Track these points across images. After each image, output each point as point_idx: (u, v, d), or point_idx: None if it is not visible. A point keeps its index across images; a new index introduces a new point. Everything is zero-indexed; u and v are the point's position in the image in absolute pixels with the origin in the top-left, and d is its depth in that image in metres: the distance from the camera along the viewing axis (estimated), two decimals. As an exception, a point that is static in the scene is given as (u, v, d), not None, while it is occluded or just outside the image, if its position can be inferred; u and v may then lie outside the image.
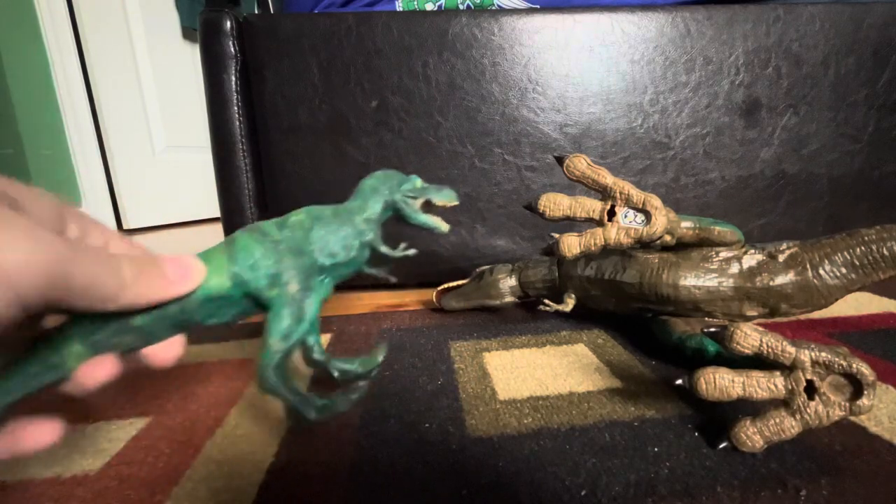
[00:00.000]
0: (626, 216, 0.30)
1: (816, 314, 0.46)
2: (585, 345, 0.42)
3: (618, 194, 0.30)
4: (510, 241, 0.62)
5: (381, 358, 0.29)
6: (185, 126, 1.70)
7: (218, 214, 0.61)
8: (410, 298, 0.60)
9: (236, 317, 0.25)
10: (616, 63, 0.58)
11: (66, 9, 1.42)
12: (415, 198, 0.30)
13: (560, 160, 0.31)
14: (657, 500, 0.22)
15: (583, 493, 0.23)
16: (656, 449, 0.26)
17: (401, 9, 0.63)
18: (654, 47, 0.58)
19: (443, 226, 0.31)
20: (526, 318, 0.50)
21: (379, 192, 0.29)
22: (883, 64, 0.61)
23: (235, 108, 0.56)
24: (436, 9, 0.62)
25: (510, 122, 0.58)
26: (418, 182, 0.30)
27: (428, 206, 0.30)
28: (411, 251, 0.30)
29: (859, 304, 0.49)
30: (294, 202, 0.58)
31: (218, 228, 0.71)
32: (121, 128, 1.57)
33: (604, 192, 0.30)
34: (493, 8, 0.61)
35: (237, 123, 0.57)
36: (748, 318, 0.37)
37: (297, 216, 0.27)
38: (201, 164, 1.65)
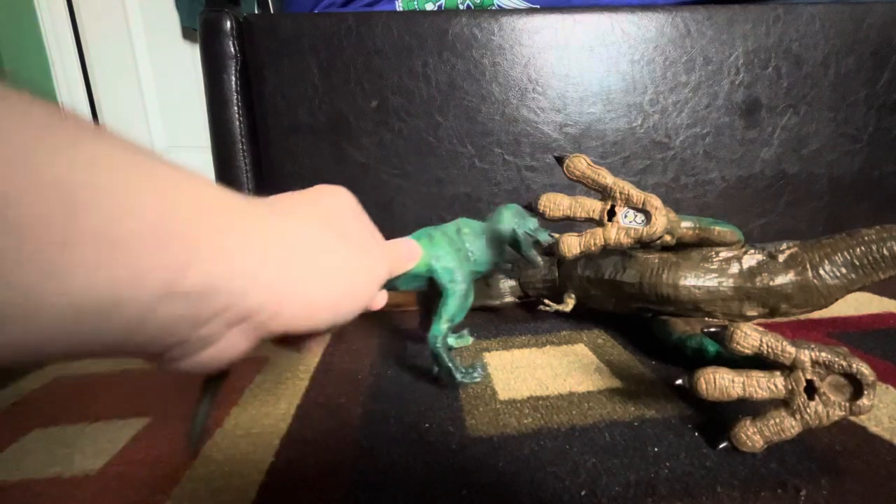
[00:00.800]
0: (625, 216, 0.30)
1: (816, 314, 0.46)
2: (585, 345, 0.42)
3: (618, 194, 0.30)
4: (510, 241, 0.62)
5: (477, 375, 0.34)
6: (185, 126, 1.70)
7: (218, 214, 0.61)
8: (410, 298, 0.60)
9: (414, 288, 0.34)
10: (616, 63, 0.58)
11: (66, 9, 1.42)
12: (531, 236, 0.37)
13: (560, 160, 0.31)
14: (657, 500, 0.22)
15: (583, 493, 0.23)
16: (656, 449, 0.26)
17: (401, 9, 0.63)
18: (654, 47, 0.58)
19: (540, 262, 0.38)
20: (526, 318, 0.50)
21: (511, 223, 0.36)
22: (883, 64, 0.61)
23: (235, 108, 0.56)
24: (436, 9, 0.62)
25: (510, 122, 0.58)
26: (536, 223, 0.38)
27: (535, 244, 0.37)
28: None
29: (859, 304, 0.49)
30: (294, 202, 0.58)
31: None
32: (121, 128, 1.56)
33: (604, 192, 0.30)
34: (493, 8, 0.61)
35: (237, 123, 0.57)
36: (748, 318, 0.37)
37: (466, 228, 0.35)
38: (201, 164, 1.65)
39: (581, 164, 0.30)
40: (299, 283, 0.18)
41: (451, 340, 0.39)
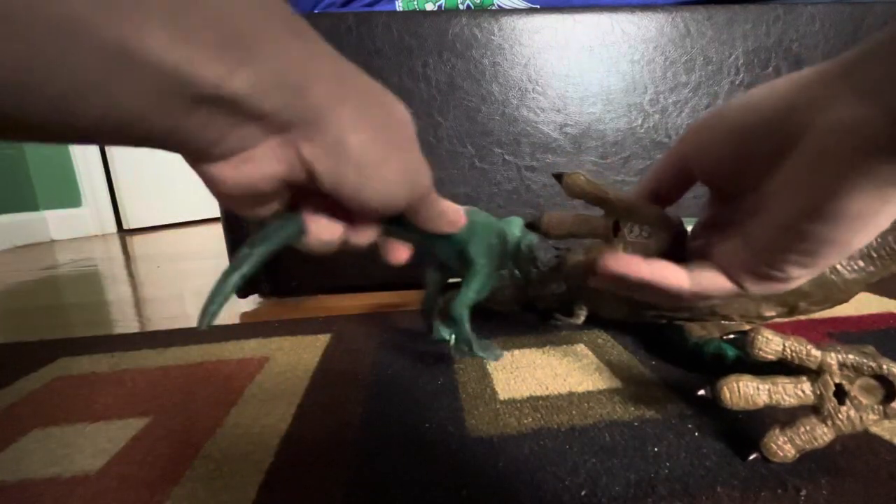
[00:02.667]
0: (631, 231, 0.29)
1: (816, 314, 0.46)
2: (585, 345, 0.42)
3: (619, 208, 0.29)
4: (510, 241, 0.62)
5: (497, 354, 0.34)
6: (185, 126, 1.70)
7: (218, 214, 0.61)
8: (410, 298, 0.60)
9: (448, 259, 0.34)
10: (616, 63, 0.58)
11: (67, 9, 1.42)
12: (531, 251, 0.39)
13: (559, 178, 0.30)
14: (657, 500, 0.22)
15: (583, 493, 0.23)
16: (656, 449, 0.26)
17: (401, 9, 0.63)
18: (654, 47, 0.58)
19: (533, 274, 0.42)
20: (526, 318, 0.50)
21: (517, 229, 0.37)
22: (883, 64, 0.61)
23: (235, 108, 0.56)
24: (436, 9, 0.62)
25: (510, 122, 0.58)
26: (535, 239, 0.39)
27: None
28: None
29: (859, 305, 0.49)
30: (294, 202, 0.58)
31: (218, 228, 0.70)
32: (121, 128, 1.57)
33: (606, 208, 0.30)
34: (493, 8, 0.61)
35: (237, 123, 0.57)
36: (766, 319, 0.36)
37: (494, 221, 0.35)
38: (201, 164, 1.64)
39: (580, 180, 0.29)
40: (350, 124, 0.17)
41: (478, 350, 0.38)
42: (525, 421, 0.30)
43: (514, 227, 0.38)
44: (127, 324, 0.58)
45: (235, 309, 0.61)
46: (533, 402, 0.32)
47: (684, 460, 0.25)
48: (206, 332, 0.50)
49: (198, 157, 0.17)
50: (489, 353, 0.34)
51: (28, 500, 0.25)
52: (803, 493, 0.22)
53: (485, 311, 0.53)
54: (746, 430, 0.28)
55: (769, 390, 0.24)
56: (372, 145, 0.18)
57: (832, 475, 0.24)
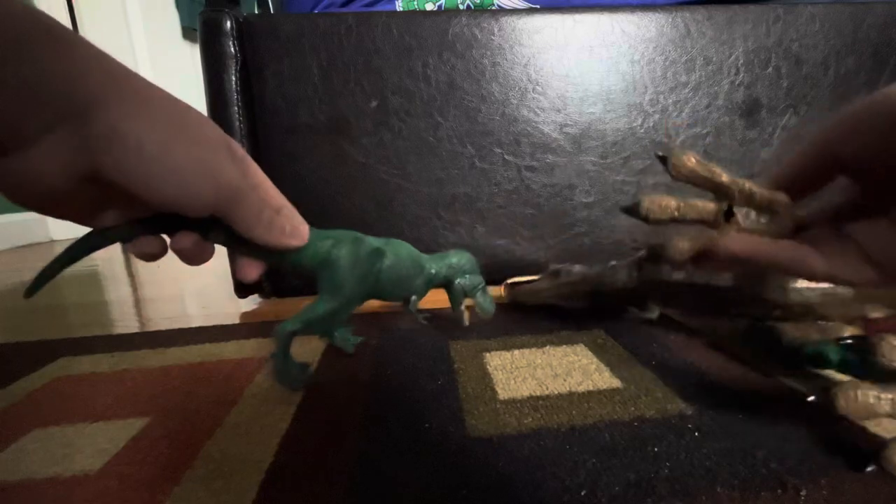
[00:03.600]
0: (747, 217, 0.27)
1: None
2: (585, 345, 0.42)
3: (737, 193, 0.26)
4: (510, 241, 0.62)
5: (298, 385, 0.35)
6: (185, 126, 1.70)
7: (218, 214, 0.61)
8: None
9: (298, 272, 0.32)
10: (616, 63, 0.58)
11: (67, 9, 1.42)
12: (465, 293, 0.41)
13: (664, 159, 0.26)
14: (657, 500, 0.22)
15: (583, 493, 0.23)
16: (656, 449, 0.26)
17: (401, 9, 0.63)
18: (654, 47, 0.58)
19: (466, 321, 0.44)
20: (526, 319, 0.50)
21: (448, 271, 0.40)
22: (883, 64, 0.61)
23: (235, 108, 0.56)
24: (436, 9, 0.62)
25: (510, 122, 0.58)
26: (480, 282, 0.41)
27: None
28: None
29: None
30: (294, 202, 0.58)
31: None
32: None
33: (718, 192, 0.27)
34: (493, 8, 0.61)
35: (237, 123, 0.57)
36: (866, 320, 0.33)
37: (392, 252, 0.36)
38: (201, 164, 1.65)
39: (690, 161, 0.26)
40: (123, 115, 0.19)
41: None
42: (525, 421, 0.30)
43: (452, 262, 0.39)
44: (127, 324, 0.58)
45: (235, 309, 0.61)
46: (533, 402, 0.32)
47: (684, 460, 0.25)
48: (206, 332, 0.50)
49: None
50: (294, 382, 0.34)
51: (28, 500, 0.25)
52: (803, 492, 0.22)
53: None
54: (747, 429, 0.28)
55: (892, 400, 0.22)
56: (151, 134, 0.19)
57: (832, 475, 0.24)
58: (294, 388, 0.35)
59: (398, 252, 0.36)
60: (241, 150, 0.27)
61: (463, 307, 0.41)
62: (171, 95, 0.22)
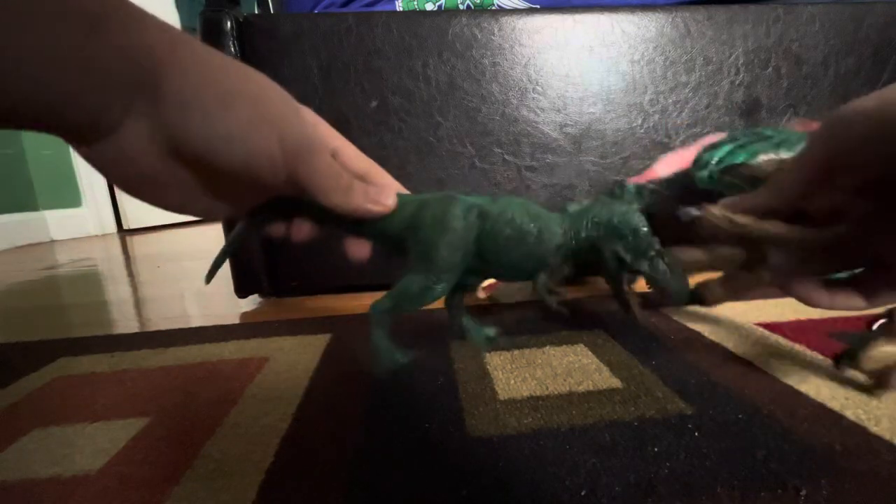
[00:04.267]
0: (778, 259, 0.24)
1: (816, 314, 0.46)
2: (585, 345, 0.42)
3: (779, 242, 0.24)
4: (510, 241, 0.62)
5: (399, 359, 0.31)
6: (185, 126, 1.70)
7: (218, 214, 0.61)
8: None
9: (379, 244, 0.29)
10: (616, 63, 0.58)
11: (66, 9, 1.42)
12: (626, 267, 0.30)
13: (694, 219, 0.24)
14: (657, 500, 0.22)
15: (583, 493, 0.23)
16: (656, 449, 0.26)
17: (401, 9, 0.63)
18: (654, 47, 0.58)
19: (637, 313, 0.33)
20: (526, 319, 0.50)
21: (585, 221, 0.30)
22: (883, 64, 0.61)
23: (235, 108, 0.56)
24: (436, 9, 0.62)
25: (510, 122, 0.58)
26: (645, 244, 0.29)
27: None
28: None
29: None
30: (294, 202, 0.57)
31: (218, 228, 0.71)
32: (121, 128, 1.57)
33: (755, 244, 0.24)
34: (493, 8, 0.61)
35: (237, 123, 0.57)
36: None
37: (513, 217, 0.29)
38: (201, 164, 1.64)
39: (722, 220, 0.23)
40: (186, 82, 0.19)
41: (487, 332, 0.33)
42: (525, 421, 0.30)
43: (572, 221, 0.28)
44: (127, 324, 0.58)
45: (235, 309, 0.61)
46: (533, 402, 0.32)
47: (684, 460, 0.25)
48: (206, 332, 0.50)
49: (79, 138, 0.19)
50: (396, 359, 0.29)
51: (28, 500, 0.25)
52: (803, 492, 0.22)
53: (487, 307, 0.53)
54: (747, 430, 0.28)
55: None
56: (213, 100, 0.20)
57: (832, 475, 0.24)
58: (394, 368, 0.30)
59: (507, 210, 0.28)
60: (312, 114, 0.26)
61: (627, 290, 0.29)
62: (234, 61, 0.22)
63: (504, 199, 0.28)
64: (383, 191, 0.26)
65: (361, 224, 0.26)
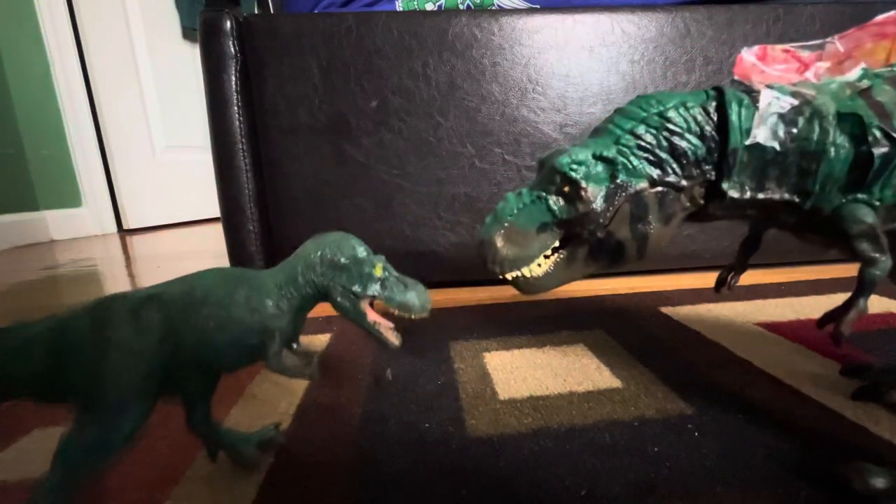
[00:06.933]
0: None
1: (815, 314, 0.46)
2: (585, 345, 0.42)
3: None
4: (510, 241, 0.62)
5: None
6: (185, 126, 1.70)
7: (218, 214, 0.61)
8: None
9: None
10: (616, 63, 0.58)
11: (66, 9, 1.42)
12: (363, 297, 0.24)
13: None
14: (657, 500, 0.22)
15: (583, 493, 0.23)
16: (656, 449, 0.26)
17: (401, 9, 0.63)
18: (654, 47, 0.58)
19: (394, 341, 0.25)
20: (526, 319, 0.50)
21: (319, 270, 0.24)
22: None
23: (235, 108, 0.56)
24: (436, 9, 0.62)
25: (510, 122, 0.58)
26: (378, 268, 0.24)
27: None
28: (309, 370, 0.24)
29: (859, 304, 0.48)
30: (294, 202, 0.58)
31: (218, 228, 0.71)
32: (121, 128, 1.57)
33: None
34: (493, 8, 0.61)
35: (237, 123, 0.57)
36: None
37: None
38: (201, 165, 1.65)
39: None
40: None
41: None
42: (525, 421, 0.30)
43: (282, 274, 0.24)
44: (127, 324, 0.58)
45: (235, 309, 0.61)
46: (533, 402, 0.32)
47: (684, 460, 0.25)
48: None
49: None
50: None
51: (28, 500, 0.25)
52: (803, 493, 0.22)
53: (486, 309, 0.53)
54: (747, 429, 0.28)
55: None
56: None
57: (832, 475, 0.24)
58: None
59: (195, 289, 0.22)
60: None
61: (375, 324, 0.25)
62: None
63: (188, 276, 0.23)
64: None
65: None
